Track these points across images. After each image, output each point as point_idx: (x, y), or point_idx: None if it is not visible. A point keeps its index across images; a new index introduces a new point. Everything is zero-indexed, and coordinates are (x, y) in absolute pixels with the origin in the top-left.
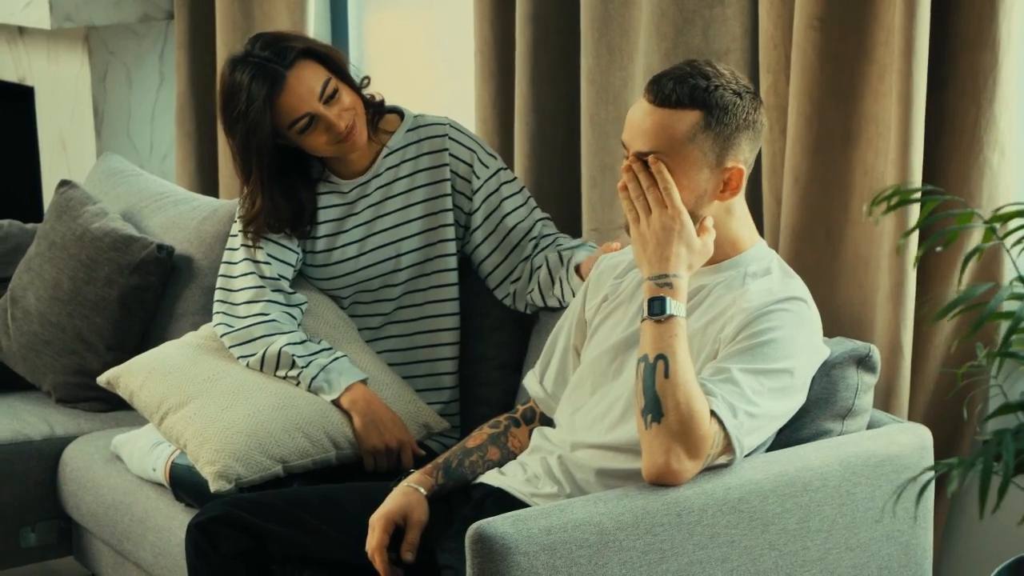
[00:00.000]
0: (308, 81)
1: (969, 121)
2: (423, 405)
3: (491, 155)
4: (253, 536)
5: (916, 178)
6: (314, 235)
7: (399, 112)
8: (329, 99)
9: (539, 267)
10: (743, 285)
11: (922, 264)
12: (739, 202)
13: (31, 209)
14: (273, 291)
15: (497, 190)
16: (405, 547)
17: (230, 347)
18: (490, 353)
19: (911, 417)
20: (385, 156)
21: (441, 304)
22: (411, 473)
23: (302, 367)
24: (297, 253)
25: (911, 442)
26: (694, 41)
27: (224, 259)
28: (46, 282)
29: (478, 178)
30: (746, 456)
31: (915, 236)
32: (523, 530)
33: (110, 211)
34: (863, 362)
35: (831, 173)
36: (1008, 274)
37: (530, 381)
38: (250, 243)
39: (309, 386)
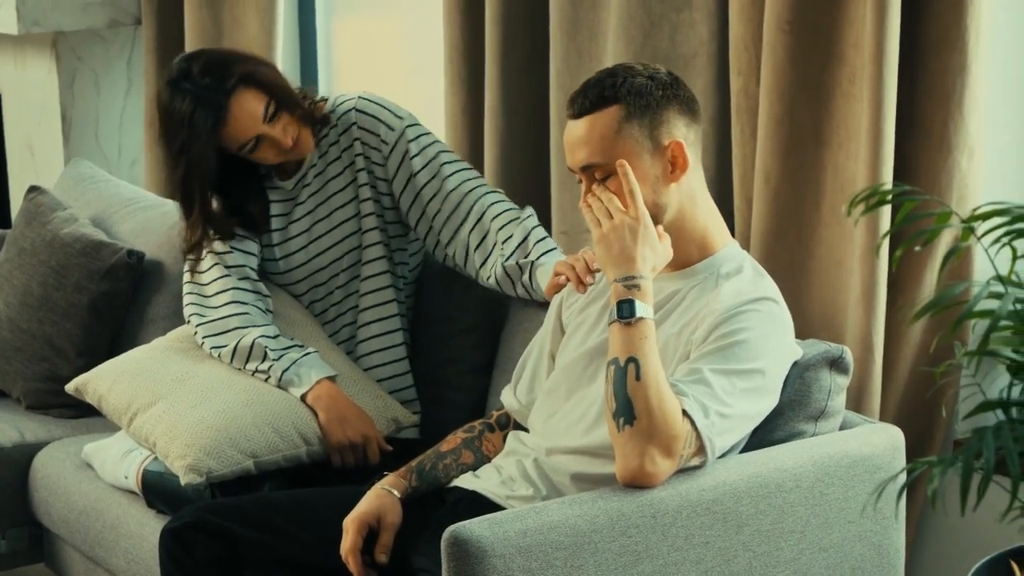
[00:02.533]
0: (250, 107)
1: (938, 122)
2: (390, 400)
3: (398, 116)
4: (227, 541)
5: (887, 179)
6: (268, 230)
7: (315, 101)
8: (272, 118)
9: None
10: (716, 286)
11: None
12: (703, 194)
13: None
14: (240, 279)
15: (406, 154)
16: (379, 549)
17: (203, 337)
18: (461, 356)
19: (883, 418)
20: (315, 147)
21: (376, 279)
22: (385, 476)
23: (273, 360)
24: (257, 243)
25: (883, 443)
26: (662, 45)
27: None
28: (16, 288)
29: (386, 143)
30: (720, 457)
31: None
32: (498, 533)
33: (80, 217)
34: (836, 364)
35: (802, 174)
36: (980, 273)
37: (506, 395)
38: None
39: (280, 379)
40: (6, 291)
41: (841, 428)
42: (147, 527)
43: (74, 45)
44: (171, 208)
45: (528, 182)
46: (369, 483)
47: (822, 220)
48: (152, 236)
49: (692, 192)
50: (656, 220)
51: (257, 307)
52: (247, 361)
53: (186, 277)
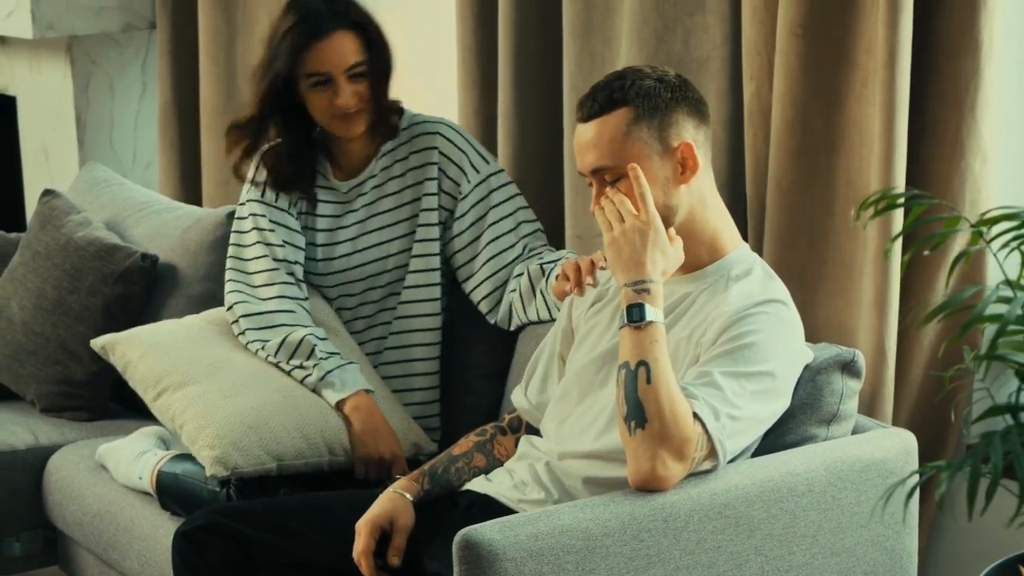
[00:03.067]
0: (345, 49)
1: (951, 127)
2: (414, 424)
3: (484, 158)
4: (239, 544)
5: (899, 184)
6: (314, 228)
7: (401, 112)
8: (353, 77)
9: (519, 275)
10: (726, 289)
11: (906, 270)
12: (712, 196)
13: (14, 219)
14: (287, 274)
15: (486, 197)
16: (391, 552)
17: (246, 328)
18: (477, 361)
19: (895, 422)
20: (379, 158)
21: (419, 304)
22: (397, 479)
23: (320, 358)
24: (303, 236)
25: (896, 447)
26: (675, 48)
27: (233, 241)
28: (30, 292)
29: (468, 182)
30: (731, 461)
31: (900, 241)
32: (510, 536)
33: (94, 220)
34: (848, 367)
35: (814, 179)
36: (991, 278)
37: (516, 395)
38: (264, 224)
39: (322, 378)
40: (20, 294)
41: (853, 432)
42: (160, 529)
43: (89, 49)
44: (185, 212)
45: (541, 185)
46: (381, 486)
47: (834, 225)
48: (166, 240)
49: (702, 194)
50: (666, 222)
51: (303, 308)
52: (292, 356)
53: (230, 263)
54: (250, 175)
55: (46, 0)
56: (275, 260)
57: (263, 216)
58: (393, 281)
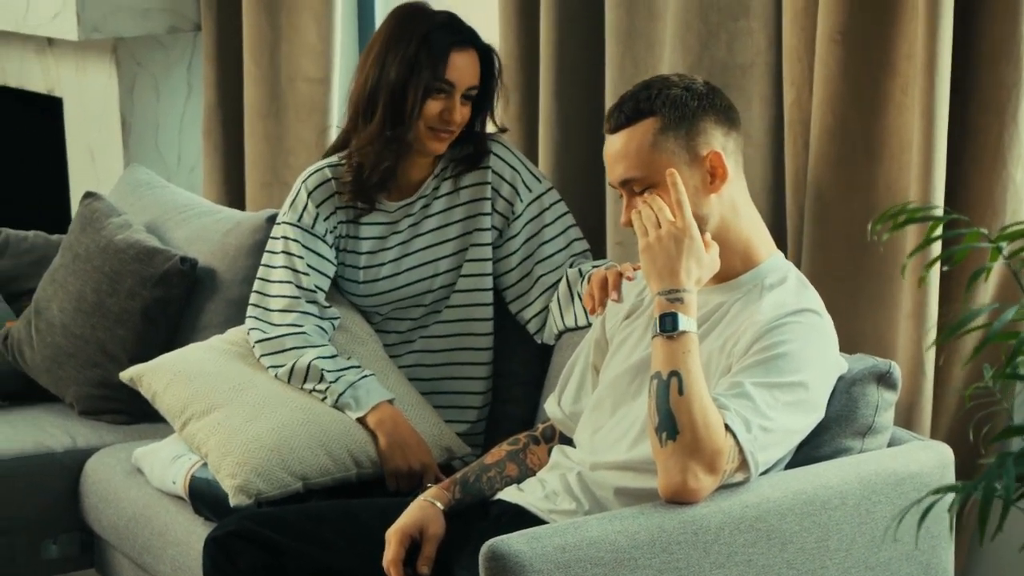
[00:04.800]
0: (474, 69)
1: (992, 136)
2: (446, 428)
3: (536, 177)
4: (270, 551)
5: (938, 193)
6: (356, 251)
7: (484, 145)
8: (466, 98)
9: (559, 280)
10: (760, 298)
11: (945, 282)
12: (745, 204)
13: (59, 220)
14: (308, 302)
15: (539, 216)
16: (421, 561)
17: (261, 355)
18: (514, 369)
19: (934, 435)
20: (432, 179)
21: (473, 323)
22: (428, 488)
23: (330, 382)
24: (335, 266)
25: (932, 460)
26: (719, 54)
27: (263, 261)
28: (70, 294)
29: (521, 201)
30: (764, 473)
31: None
32: (537, 548)
33: (134, 223)
34: (883, 379)
35: (854, 187)
36: None
37: (550, 404)
38: (294, 249)
39: (336, 402)
40: (61, 297)
41: (890, 445)
42: (194, 535)
43: (134, 51)
44: (226, 215)
45: (582, 191)
46: (413, 495)
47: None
48: (206, 243)
49: (734, 202)
50: (702, 235)
51: (318, 327)
52: (304, 382)
53: (256, 285)
54: (290, 197)
55: (91, 2)
56: (298, 288)
57: (296, 241)
58: (437, 300)
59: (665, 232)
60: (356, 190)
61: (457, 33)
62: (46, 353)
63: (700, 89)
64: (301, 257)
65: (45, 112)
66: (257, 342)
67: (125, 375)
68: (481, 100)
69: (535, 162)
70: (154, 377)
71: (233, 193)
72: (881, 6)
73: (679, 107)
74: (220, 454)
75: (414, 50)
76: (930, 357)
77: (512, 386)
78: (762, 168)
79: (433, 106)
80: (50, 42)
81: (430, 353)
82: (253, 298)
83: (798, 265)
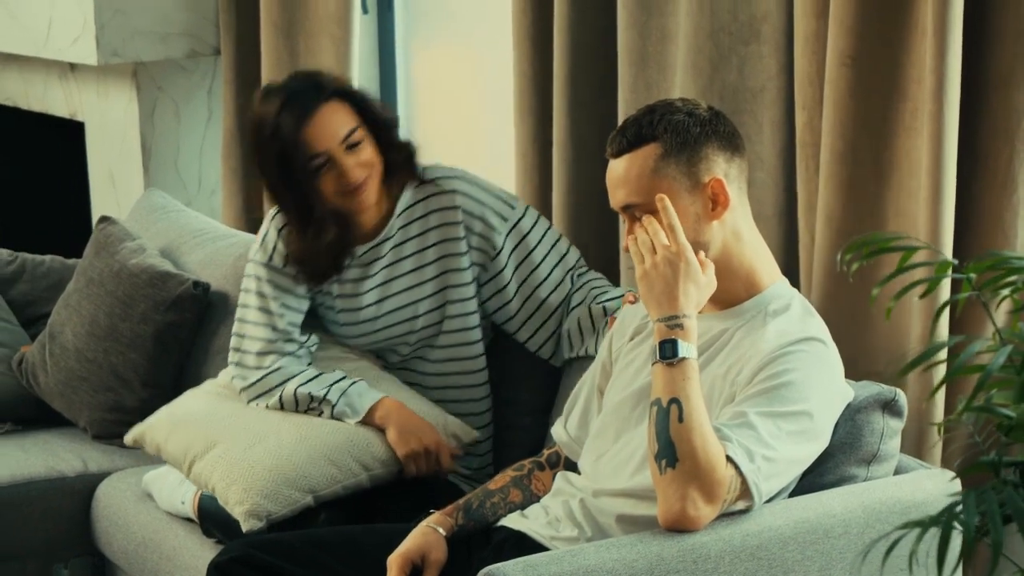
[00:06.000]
0: (336, 121)
1: (1003, 160)
2: (449, 417)
3: (507, 204)
4: None
5: (948, 218)
6: (329, 292)
7: (412, 155)
8: (351, 147)
9: (576, 306)
10: (764, 325)
11: (955, 308)
12: (749, 230)
13: (80, 244)
14: (286, 341)
15: (521, 243)
16: None
17: (249, 400)
18: (521, 397)
19: (945, 464)
20: (396, 217)
21: (464, 362)
22: (431, 513)
23: (322, 398)
24: (309, 301)
25: (937, 488)
26: (730, 78)
27: (239, 302)
28: (83, 318)
29: (498, 234)
30: (766, 502)
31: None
32: None
33: (148, 247)
34: (889, 406)
35: (864, 211)
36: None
37: (556, 428)
38: (267, 290)
39: (332, 413)
40: (74, 321)
41: (896, 473)
42: (201, 559)
43: (154, 75)
44: (240, 239)
45: (596, 213)
46: (415, 520)
47: (883, 259)
48: (219, 267)
49: (737, 229)
50: (696, 255)
51: (293, 356)
52: (296, 408)
53: (235, 327)
54: (260, 235)
55: (111, 26)
56: (274, 330)
57: (268, 282)
58: (422, 340)
59: (660, 258)
60: (312, 276)
61: (299, 107)
62: (60, 377)
63: (703, 115)
64: (275, 298)
65: (68, 136)
66: (242, 390)
67: (128, 439)
68: (376, 130)
69: (548, 184)
70: (155, 432)
71: (252, 217)
72: (890, 30)
73: (681, 133)
74: (225, 484)
75: (276, 150)
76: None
77: (520, 415)
78: (773, 192)
79: (325, 183)
80: (72, 67)
81: (422, 389)
82: (233, 341)
83: (810, 290)
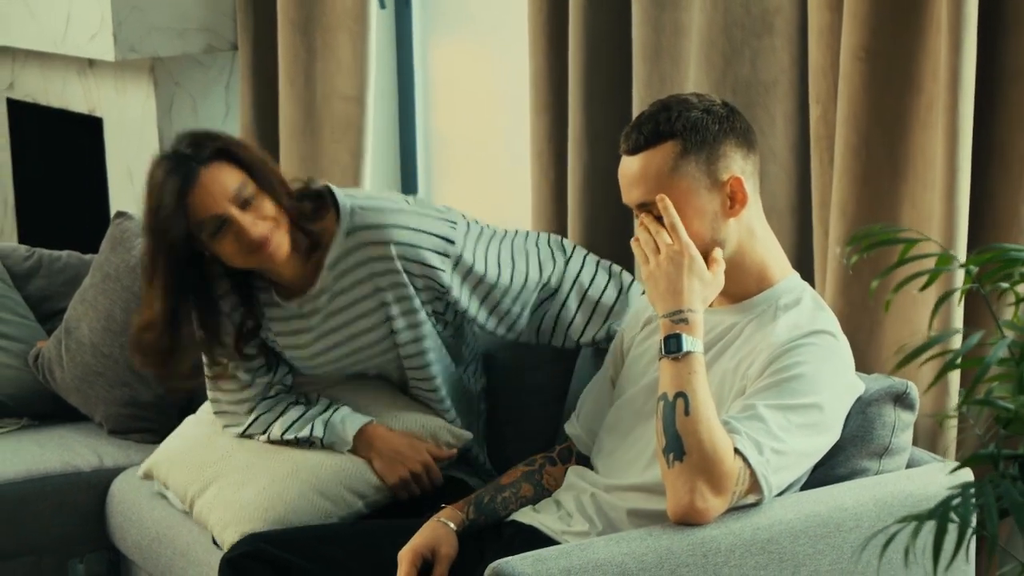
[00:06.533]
0: (222, 180)
1: (1018, 152)
2: (439, 424)
3: (443, 239)
4: (283, 572)
5: (963, 210)
6: (275, 342)
7: (335, 207)
8: (245, 203)
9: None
10: (774, 319)
11: (970, 301)
12: (761, 226)
13: (100, 239)
14: (260, 401)
15: (467, 276)
16: None
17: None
18: (531, 399)
19: (960, 457)
20: (327, 270)
21: (428, 394)
22: (443, 508)
23: (307, 435)
24: (264, 360)
25: (950, 481)
26: (743, 71)
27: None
28: (99, 313)
29: (442, 271)
30: (778, 495)
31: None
32: (542, 570)
33: None
34: (900, 399)
35: (878, 206)
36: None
37: (569, 423)
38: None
39: (323, 446)
40: (90, 316)
41: (908, 466)
42: (214, 555)
43: (172, 70)
44: None
45: (611, 210)
46: (426, 515)
47: (893, 252)
48: None
49: (751, 225)
50: (711, 252)
51: (267, 399)
52: (285, 444)
53: (211, 395)
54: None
55: (128, 22)
56: (241, 390)
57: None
58: (378, 374)
59: (664, 256)
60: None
61: (180, 178)
62: (76, 373)
63: (720, 112)
64: (227, 357)
65: (87, 132)
66: (226, 427)
67: (140, 474)
68: (265, 182)
69: (564, 179)
70: (159, 468)
71: None
72: (905, 23)
73: (700, 131)
74: (220, 527)
75: (165, 231)
76: (955, 377)
77: (533, 419)
78: (786, 186)
79: (227, 246)
80: (91, 63)
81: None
82: (209, 394)
83: (824, 285)
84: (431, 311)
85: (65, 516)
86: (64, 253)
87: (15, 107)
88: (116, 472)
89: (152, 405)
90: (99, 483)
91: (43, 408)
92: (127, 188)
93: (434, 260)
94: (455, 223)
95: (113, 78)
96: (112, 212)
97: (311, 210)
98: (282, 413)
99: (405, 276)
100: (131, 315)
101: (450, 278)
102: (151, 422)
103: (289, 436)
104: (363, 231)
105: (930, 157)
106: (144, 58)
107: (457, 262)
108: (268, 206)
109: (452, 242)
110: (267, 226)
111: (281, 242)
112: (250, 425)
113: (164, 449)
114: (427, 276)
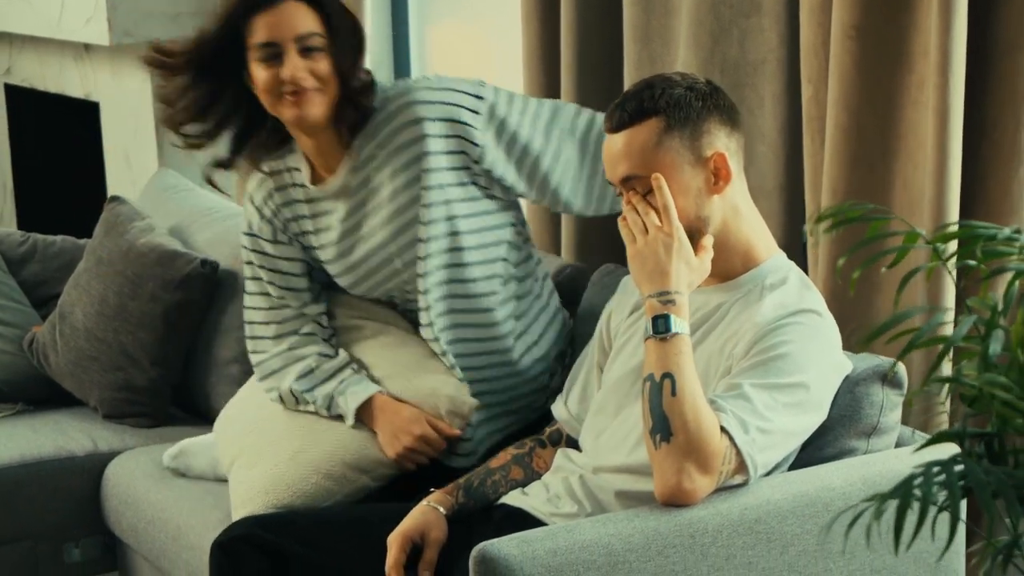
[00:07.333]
0: (299, 17)
1: (1009, 132)
2: (441, 395)
3: (475, 95)
4: (275, 556)
5: (954, 191)
6: (312, 245)
7: (372, 88)
8: (306, 51)
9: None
10: (760, 299)
11: (961, 279)
12: (747, 205)
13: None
14: (283, 308)
15: (502, 126)
16: (422, 566)
17: (258, 380)
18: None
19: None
20: (359, 140)
21: (484, 284)
22: (432, 492)
23: (311, 401)
24: (303, 261)
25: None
26: (731, 51)
27: (246, 271)
28: (93, 298)
29: (476, 130)
30: (765, 475)
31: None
32: (528, 552)
33: (157, 226)
34: (889, 379)
35: (869, 186)
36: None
37: (557, 406)
38: (254, 259)
39: (328, 416)
40: (84, 301)
41: (898, 445)
42: (206, 539)
43: None
44: None
45: None
46: (416, 499)
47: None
48: (228, 246)
49: (735, 203)
50: (700, 233)
51: (300, 335)
52: (297, 405)
53: (244, 300)
54: (245, 207)
55: (123, 7)
56: (269, 298)
57: (254, 251)
58: (409, 271)
59: (652, 238)
60: (264, 150)
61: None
62: (70, 357)
63: (703, 89)
64: (263, 266)
65: (83, 117)
66: (255, 366)
67: (167, 458)
68: (339, 49)
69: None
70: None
71: None
72: (895, 2)
73: (683, 107)
74: (236, 508)
75: (216, 34)
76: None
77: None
78: (774, 166)
79: (263, 73)
80: (87, 48)
81: (438, 344)
82: (244, 314)
83: (816, 265)
84: (466, 180)
85: (60, 501)
86: (58, 238)
87: (12, 92)
88: (111, 456)
89: (146, 389)
90: (94, 467)
91: (37, 393)
92: (124, 172)
93: (465, 116)
94: (484, 83)
95: (109, 63)
96: (109, 196)
97: (360, 89)
98: (302, 359)
99: (435, 142)
100: (124, 300)
101: (483, 135)
102: (145, 406)
103: (295, 387)
104: (392, 101)
105: (922, 137)
106: (139, 42)
107: (491, 115)
108: (325, 67)
109: (481, 98)
110: (312, 83)
111: (317, 105)
112: (276, 356)
113: (193, 441)
114: (459, 135)
